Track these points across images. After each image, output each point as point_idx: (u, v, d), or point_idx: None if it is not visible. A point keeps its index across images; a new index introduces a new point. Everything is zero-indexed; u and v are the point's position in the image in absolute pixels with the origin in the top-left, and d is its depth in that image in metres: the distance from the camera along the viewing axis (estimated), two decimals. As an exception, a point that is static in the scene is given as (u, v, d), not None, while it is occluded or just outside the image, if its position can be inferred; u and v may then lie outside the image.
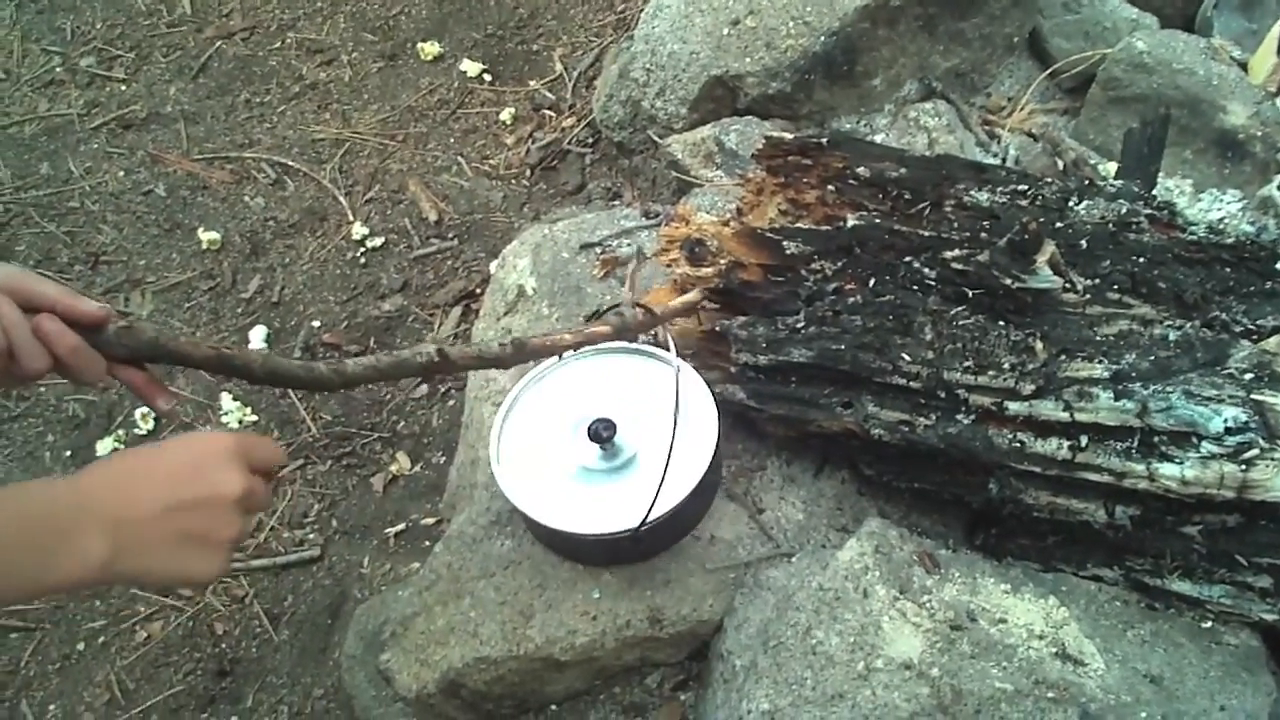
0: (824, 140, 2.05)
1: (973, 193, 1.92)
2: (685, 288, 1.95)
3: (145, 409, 2.74)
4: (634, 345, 1.90)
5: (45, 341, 1.33)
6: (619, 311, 1.83)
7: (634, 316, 1.81)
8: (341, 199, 3.14)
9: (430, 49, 3.45)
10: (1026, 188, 1.94)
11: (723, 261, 1.90)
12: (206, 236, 3.08)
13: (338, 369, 1.58)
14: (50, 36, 3.67)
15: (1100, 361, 1.67)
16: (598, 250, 2.32)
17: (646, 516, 1.63)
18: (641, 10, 2.86)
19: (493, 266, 2.66)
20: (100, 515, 1.22)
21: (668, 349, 1.73)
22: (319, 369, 1.57)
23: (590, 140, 3.08)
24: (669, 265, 1.97)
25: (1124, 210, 1.88)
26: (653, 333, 1.93)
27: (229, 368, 1.53)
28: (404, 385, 2.75)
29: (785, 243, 1.87)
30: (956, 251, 1.79)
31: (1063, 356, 1.68)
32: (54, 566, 1.17)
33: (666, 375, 1.84)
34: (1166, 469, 1.60)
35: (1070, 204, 1.90)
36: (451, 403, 2.69)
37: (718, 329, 1.87)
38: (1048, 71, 2.67)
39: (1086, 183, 2.03)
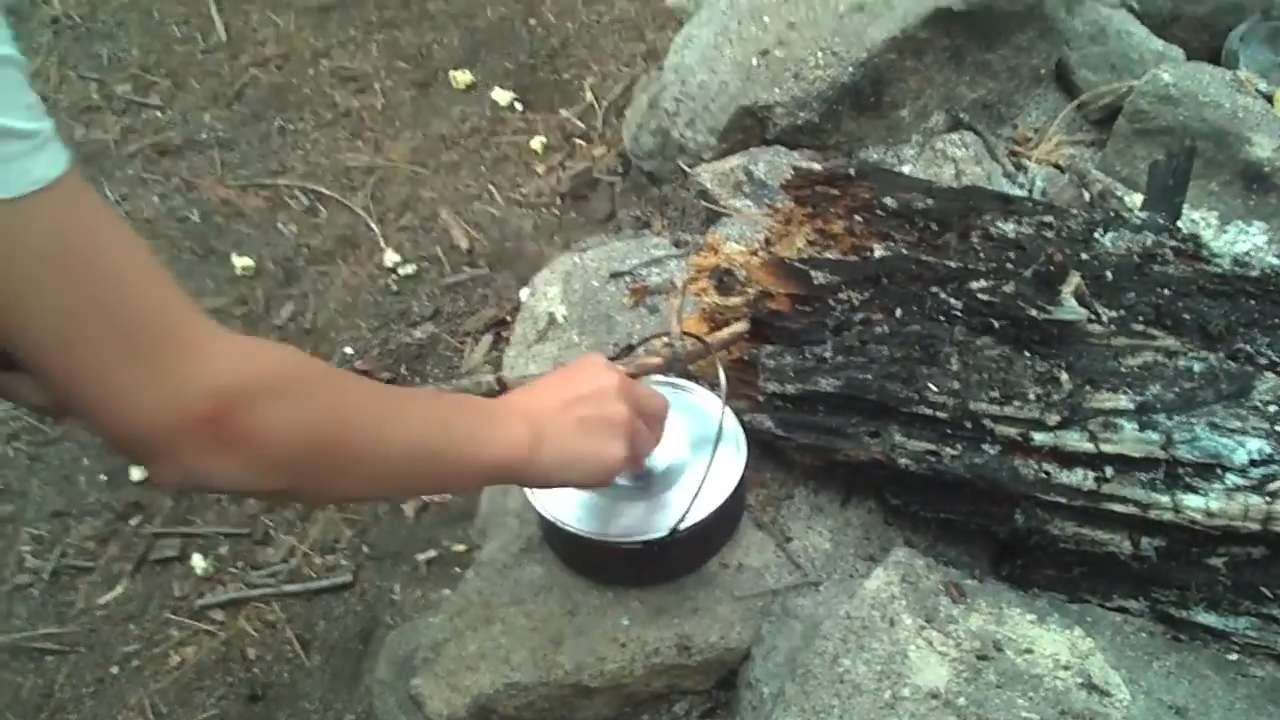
0: (852, 171, 2.08)
1: (999, 224, 1.94)
2: (714, 317, 1.97)
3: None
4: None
5: None
6: (669, 342, 1.85)
7: (684, 347, 1.85)
8: (374, 226, 3.17)
9: (462, 78, 3.49)
10: (1052, 219, 1.95)
11: (751, 291, 1.92)
12: (240, 262, 3.11)
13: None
14: (87, 63, 3.72)
15: (1125, 393, 1.69)
16: (628, 279, 2.34)
17: (680, 523, 1.65)
18: (671, 41, 2.89)
19: (523, 294, 2.68)
20: (517, 410, 1.43)
21: (715, 378, 1.74)
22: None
23: (620, 169, 3.11)
24: (698, 294, 2.00)
25: (1149, 242, 1.89)
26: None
27: None
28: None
29: (813, 273, 1.89)
30: (983, 282, 1.81)
31: (1088, 387, 1.70)
32: (489, 440, 1.37)
33: (691, 401, 1.86)
34: (1191, 500, 1.61)
35: (1096, 235, 1.91)
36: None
37: (746, 358, 1.89)
38: (1074, 103, 2.68)
39: (1112, 214, 2.05)
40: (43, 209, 0.98)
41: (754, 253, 2.01)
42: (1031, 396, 1.70)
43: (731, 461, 1.76)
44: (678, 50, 2.71)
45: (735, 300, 1.94)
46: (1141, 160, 2.46)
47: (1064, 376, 1.72)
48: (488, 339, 2.87)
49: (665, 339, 1.96)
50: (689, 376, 1.92)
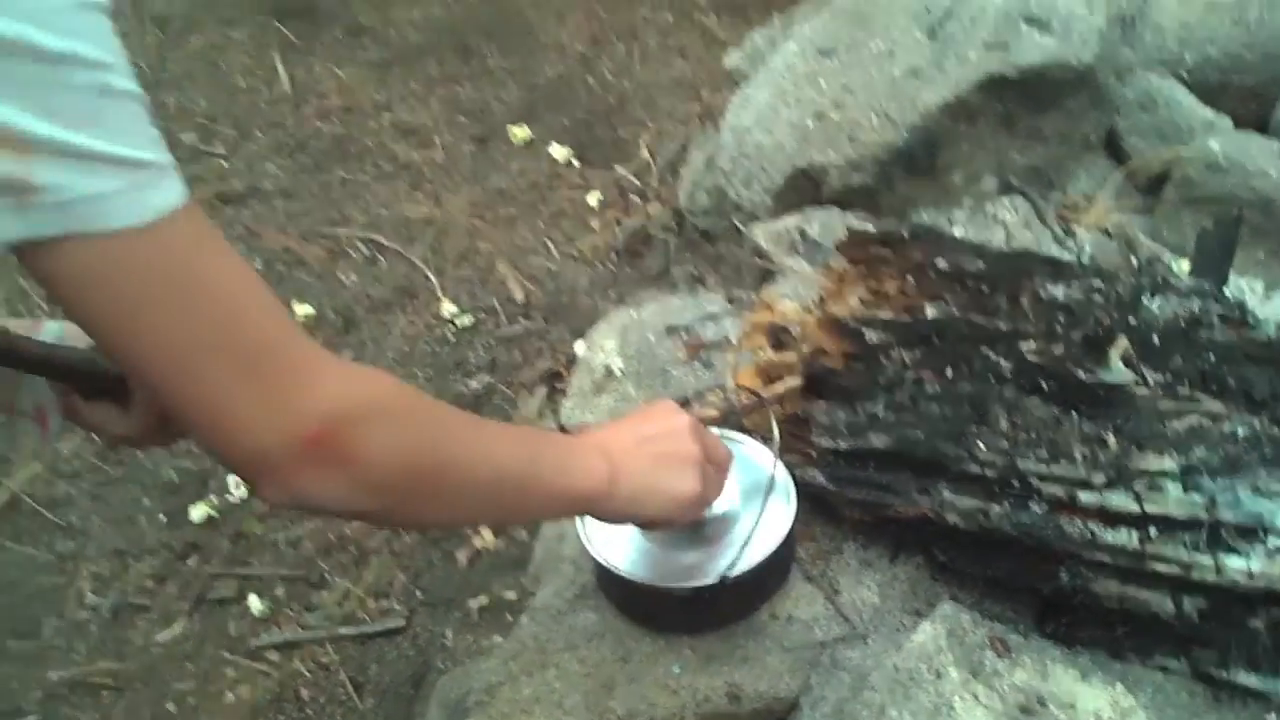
0: (905, 233, 2.13)
1: (1049, 287, 1.98)
2: (768, 372, 2.01)
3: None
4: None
5: None
6: (725, 396, 1.90)
7: (739, 401, 1.90)
8: (432, 277, 3.24)
9: (521, 133, 3.56)
10: (1101, 283, 1.99)
11: (805, 347, 1.97)
12: (302, 310, 3.18)
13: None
14: (154, 111, 3.78)
15: (1170, 455, 1.72)
16: (683, 334, 2.39)
17: (730, 570, 1.69)
18: (728, 101, 2.96)
19: (578, 347, 2.74)
20: (595, 446, 1.50)
21: (769, 430, 1.79)
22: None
23: (675, 226, 3.17)
24: (753, 350, 2.04)
25: (1196, 308, 1.93)
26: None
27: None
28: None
29: (866, 332, 1.94)
30: (1032, 344, 1.85)
31: (1134, 449, 1.74)
32: (573, 472, 1.44)
33: (744, 453, 1.90)
34: (1233, 562, 1.64)
35: (1143, 300, 1.95)
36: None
37: (800, 413, 1.94)
38: (1123, 170, 2.73)
39: (1160, 280, 2.08)
40: (164, 236, 1.03)
41: (808, 310, 2.06)
42: (1078, 457, 1.74)
43: (781, 512, 1.80)
44: (735, 111, 2.77)
45: (789, 356, 1.98)
46: (1189, 228, 2.50)
47: (1111, 438, 1.75)
48: (542, 390, 2.92)
49: (721, 392, 2.01)
50: (743, 429, 1.97)
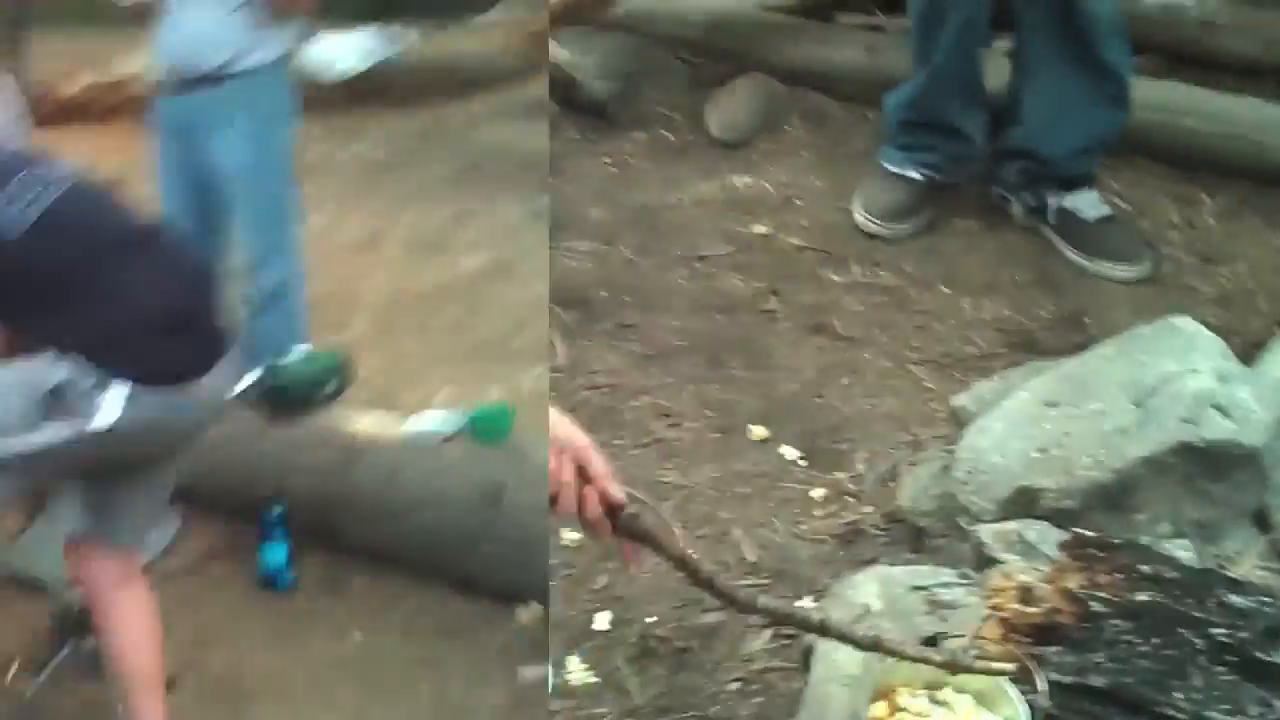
0: (1117, 540, 2.83)
1: (1230, 596, 2.67)
2: (1012, 624, 2.67)
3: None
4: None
5: (581, 503, 2.19)
6: (984, 648, 2.55)
7: (981, 649, 2.53)
8: (678, 531, 3.90)
9: (758, 432, 4.25)
10: (1270, 598, 2.68)
11: (1046, 606, 2.65)
12: (566, 535, 3.85)
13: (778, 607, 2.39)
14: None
15: (1324, 719, 2.39)
16: (925, 592, 3.05)
17: None
18: (933, 434, 3.72)
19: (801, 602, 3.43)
20: None
21: (1031, 674, 2.44)
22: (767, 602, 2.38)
23: (884, 527, 3.84)
24: (996, 608, 2.71)
25: (1343, 622, 2.62)
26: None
27: (689, 567, 2.35)
28: (719, 678, 3.46)
29: (1092, 602, 2.62)
30: (1220, 630, 2.53)
31: (1295, 713, 2.41)
32: None
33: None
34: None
35: (1301, 613, 2.64)
36: (758, 699, 3.39)
37: (1037, 654, 2.60)
38: (1267, 538, 3.39)
39: (1314, 602, 2.78)
40: None
41: (1048, 581, 2.74)
42: (1253, 713, 2.40)
43: None
44: (974, 436, 3.49)
45: (1033, 612, 2.65)
46: (1327, 585, 3.16)
47: (1277, 704, 2.42)
48: (767, 633, 3.53)
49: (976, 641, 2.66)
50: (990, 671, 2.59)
